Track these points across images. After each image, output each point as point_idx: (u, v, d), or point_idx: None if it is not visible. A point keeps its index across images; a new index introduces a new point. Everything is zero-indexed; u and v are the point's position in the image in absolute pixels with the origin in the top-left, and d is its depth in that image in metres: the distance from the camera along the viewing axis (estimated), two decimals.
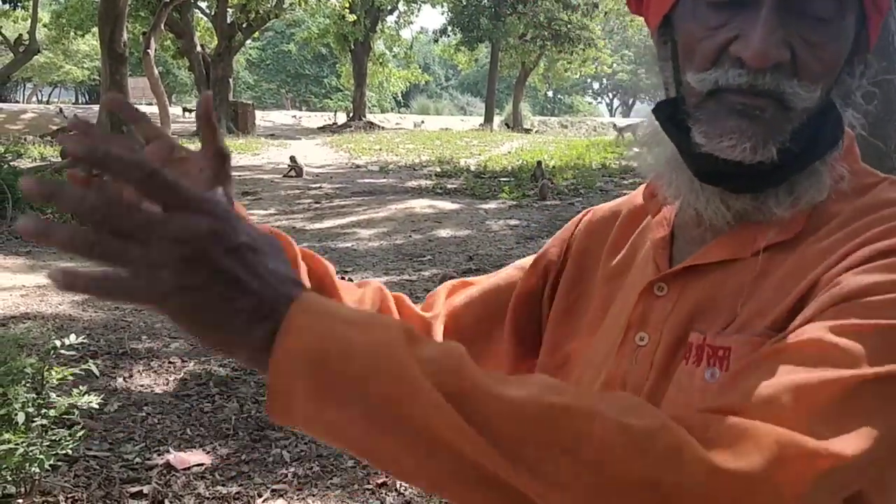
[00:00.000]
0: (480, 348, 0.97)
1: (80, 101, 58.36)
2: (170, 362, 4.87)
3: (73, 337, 3.22)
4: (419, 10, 40.91)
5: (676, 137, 0.75)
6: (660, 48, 0.79)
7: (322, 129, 35.11)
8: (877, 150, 9.07)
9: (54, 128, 25.54)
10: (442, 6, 39.51)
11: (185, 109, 40.72)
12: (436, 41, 47.62)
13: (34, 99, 58.79)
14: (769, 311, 0.70)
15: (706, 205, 0.75)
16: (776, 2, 0.68)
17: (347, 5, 29.69)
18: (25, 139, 22.54)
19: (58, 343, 3.15)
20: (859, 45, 0.74)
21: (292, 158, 17.32)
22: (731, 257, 0.75)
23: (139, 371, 4.69)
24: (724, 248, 0.76)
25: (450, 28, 40.84)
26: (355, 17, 31.82)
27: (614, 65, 57.17)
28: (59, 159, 16.82)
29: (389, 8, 36.87)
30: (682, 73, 0.74)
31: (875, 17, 0.74)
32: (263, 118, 38.75)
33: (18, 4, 29.09)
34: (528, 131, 36.05)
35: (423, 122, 42.30)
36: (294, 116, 44.42)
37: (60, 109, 35.17)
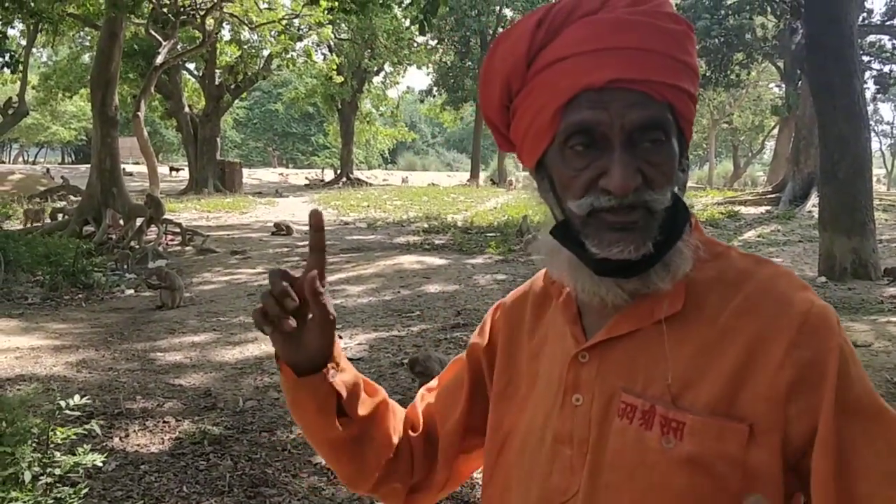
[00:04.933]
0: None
1: (66, 161, 58.67)
2: (164, 421, 4.96)
3: (77, 398, 3.34)
4: (405, 71, 41.71)
5: (575, 250, 0.96)
6: (539, 183, 1.02)
7: (308, 187, 35.47)
8: None
9: (41, 188, 25.72)
10: (427, 68, 40.39)
11: (171, 168, 41.12)
12: (421, 101, 48.49)
13: (21, 159, 59.08)
14: (697, 387, 0.91)
15: (607, 291, 0.97)
16: (624, 144, 0.90)
17: (335, 67, 30.30)
18: (14, 200, 22.69)
19: (63, 404, 3.28)
20: (682, 149, 0.97)
21: (277, 225, 17.64)
22: (636, 328, 0.97)
23: (135, 431, 4.78)
24: (628, 322, 0.97)
25: (435, 88, 41.73)
26: (342, 79, 32.43)
27: None
28: (49, 220, 16.98)
29: (376, 69, 37.58)
30: (562, 201, 0.96)
31: (687, 127, 0.98)
32: (250, 176, 39.11)
33: (8, 67, 29.47)
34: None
35: (407, 177, 42.78)
36: (281, 174, 44.84)
37: (47, 170, 35.41)
